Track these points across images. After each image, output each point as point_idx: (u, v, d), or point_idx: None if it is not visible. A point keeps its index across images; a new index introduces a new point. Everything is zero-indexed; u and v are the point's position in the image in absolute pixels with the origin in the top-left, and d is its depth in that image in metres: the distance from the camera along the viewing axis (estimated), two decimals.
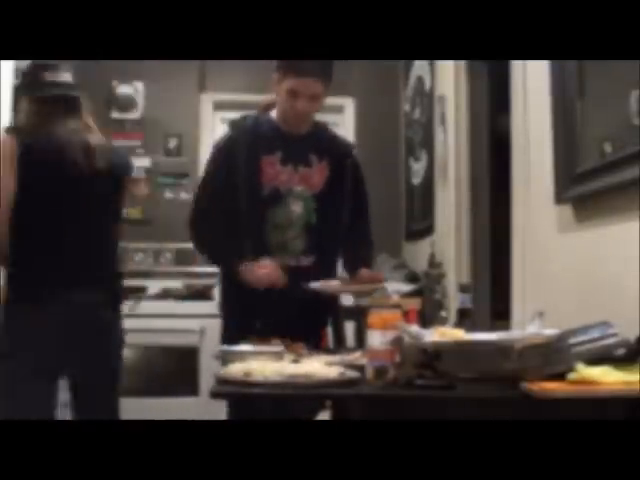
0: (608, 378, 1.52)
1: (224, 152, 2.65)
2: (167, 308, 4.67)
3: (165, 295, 4.74)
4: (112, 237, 2.51)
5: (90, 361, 2.41)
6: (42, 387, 2.34)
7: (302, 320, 2.50)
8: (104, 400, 2.49)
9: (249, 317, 2.52)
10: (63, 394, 2.47)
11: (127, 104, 5.04)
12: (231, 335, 2.46)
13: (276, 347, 2.08)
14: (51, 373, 2.39)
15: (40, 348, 2.33)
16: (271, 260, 2.50)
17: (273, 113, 2.68)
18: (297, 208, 2.61)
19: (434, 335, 1.75)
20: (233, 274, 2.52)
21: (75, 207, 2.38)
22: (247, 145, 2.61)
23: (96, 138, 2.47)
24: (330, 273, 2.65)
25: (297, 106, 2.56)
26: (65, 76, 2.43)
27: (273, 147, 2.62)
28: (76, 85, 2.46)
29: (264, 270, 2.47)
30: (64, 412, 2.48)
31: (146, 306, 4.63)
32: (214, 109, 5.41)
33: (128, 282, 4.54)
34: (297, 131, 2.66)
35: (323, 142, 2.72)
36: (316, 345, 2.40)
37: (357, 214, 2.71)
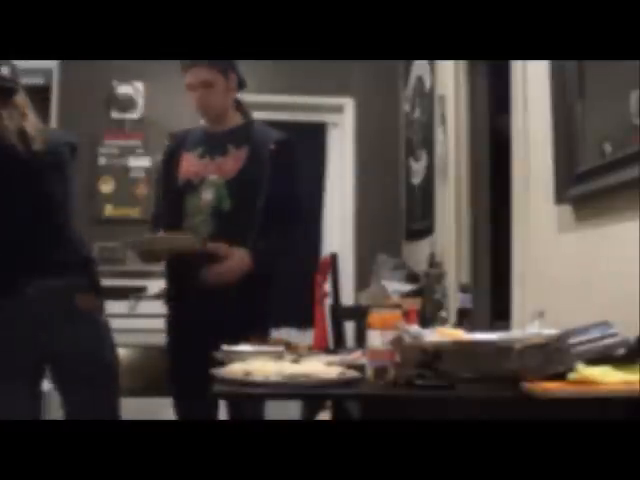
0: (608, 378, 1.52)
1: (162, 160, 2.94)
2: None
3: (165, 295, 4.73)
4: (64, 220, 2.46)
5: (74, 352, 2.32)
6: (23, 387, 2.31)
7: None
8: (98, 397, 2.38)
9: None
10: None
11: (127, 104, 5.04)
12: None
13: (276, 347, 2.08)
14: (33, 370, 2.33)
15: (16, 343, 2.28)
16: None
17: None
18: (208, 195, 2.72)
19: (434, 335, 1.76)
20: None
21: (21, 190, 2.38)
22: (176, 148, 2.86)
23: (31, 124, 2.48)
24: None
25: (198, 98, 2.70)
26: (2, 70, 2.47)
27: (196, 145, 2.82)
28: (12, 79, 2.48)
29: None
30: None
31: (146, 306, 4.62)
32: None
33: (128, 282, 4.57)
34: (220, 127, 2.80)
35: (246, 133, 2.80)
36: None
37: (274, 207, 2.69)
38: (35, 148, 2.40)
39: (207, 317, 2.56)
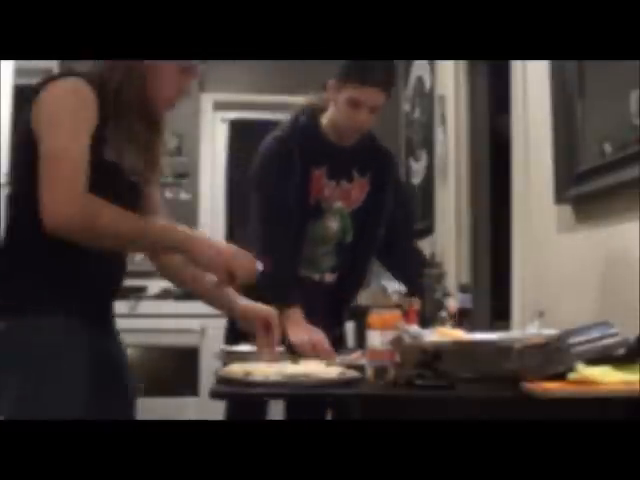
0: (608, 378, 1.52)
1: (275, 164, 2.46)
2: (167, 308, 4.67)
3: (165, 295, 4.74)
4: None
5: None
6: None
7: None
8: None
9: None
10: None
11: None
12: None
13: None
14: None
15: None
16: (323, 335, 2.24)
17: (322, 118, 2.52)
18: (333, 224, 2.52)
19: (434, 335, 1.76)
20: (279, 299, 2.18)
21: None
22: (301, 158, 2.44)
23: None
24: (352, 290, 2.61)
25: (358, 118, 2.38)
26: None
27: (320, 159, 2.46)
28: None
29: (312, 343, 2.20)
30: None
31: (146, 306, 4.62)
32: (214, 109, 5.41)
33: (128, 282, 4.57)
34: (344, 143, 2.48)
35: (367, 155, 2.57)
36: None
37: (401, 228, 2.66)
38: None
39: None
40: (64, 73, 1.70)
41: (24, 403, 1.59)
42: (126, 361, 1.87)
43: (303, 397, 1.88)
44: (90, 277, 1.70)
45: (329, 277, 2.57)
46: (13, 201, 1.72)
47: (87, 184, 1.56)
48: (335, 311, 2.58)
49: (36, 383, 1.59)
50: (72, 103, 1.64)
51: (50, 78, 1.67)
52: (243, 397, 1.92)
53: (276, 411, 2.70)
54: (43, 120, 1.62)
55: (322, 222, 2.51)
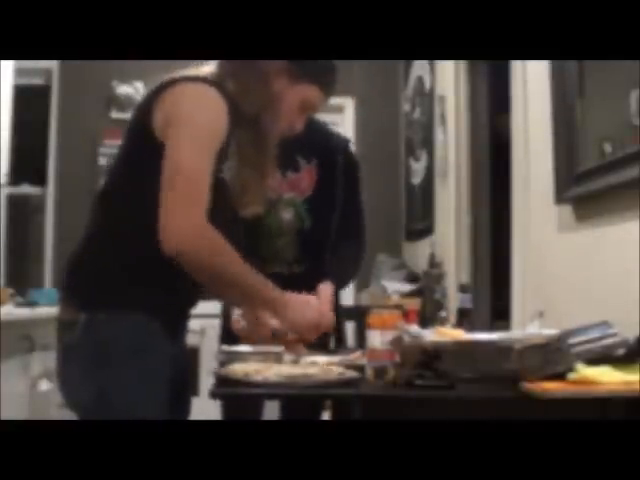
0: (608, 378, 1.52)
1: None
2: None
3: None
4: None
5: None
6: None
7: None
8: None
9: None
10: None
11: (127, 104, 5.04)
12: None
13: (276, 347, 2.08)
14: None
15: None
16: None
17: None
18: (287, 215, 2.50)
19: (434, 335, 1.76)
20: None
21: None
22: None
23: None
24: (322, 279, 2.42)
25: (304, 119, 2.41)
26: None
27: None
28: None
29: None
30: (62, 412, 2.46)
31: None
32: None
33: None
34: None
35: (311, 140, 2.50)
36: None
37: (343, 223, 2.54)
38: None
39: None
40: (190, 77, 1.63)
41: (105, 395, 1.58)
42: (189, 366, 1.88)
43: (303, 397, 1.88)
44: (177, 281, 1.65)
45: (297, 269, 2.51)
46: (112, 196, 1.69)
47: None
48: None
49: (115, 378, 1.59)
50: (208, 114, 1.60)
51: (176, 79, 1.62)
52: (243, 397, 1.92)
53: (271, 412, 2.69)
54: (172, 123, 1.58)
55: (274, 214, 2.48)
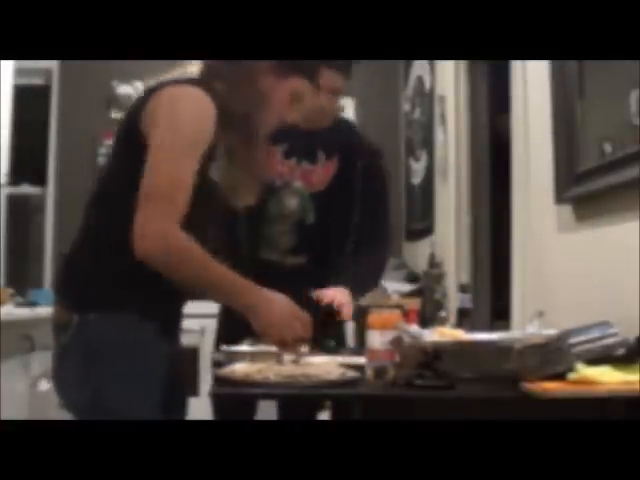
0: (608, 378, 1.52)
1: None
2: None
3: None
4: None
5: None
6: None
7: None
8: None
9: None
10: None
11: (127, 104, 5.03)
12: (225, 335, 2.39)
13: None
14: None
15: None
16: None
17: None
18: (291, 202, 2.45)
19: (434, 335, 1.76)
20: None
21: None
22: None
23: None
24: (323, 279, 2.39)
25: (298, 111, 2.36)
26: None
27: (279, 138, 2.30)
28: None
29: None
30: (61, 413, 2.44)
31: None
32: None
33: None
34: (308, 124, 2.35)
35: (339, 139, 2.49)
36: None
37: (362, 232, 2.48)
38: None
39: None
40: (177, 80, 1.64)
41: (99, 396, 1.59)
42: (184, 366, 1.88)
43: (303, 397, 1.88)
44: (162, 281, 1.64)
45: (292, 259, 2.47)
46: (102, 198, 1.71)
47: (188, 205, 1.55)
48: (303, 298, 2.49)
49: (107, 378, 1.59)
50: (192, 116, 1.60)
51: (162, 83, 1.63)
52: (243, 398, 1.92)
53: (265, 412, 2.68)
54: (156, 124, 1.59)
55: (277, 200, 2.44)
